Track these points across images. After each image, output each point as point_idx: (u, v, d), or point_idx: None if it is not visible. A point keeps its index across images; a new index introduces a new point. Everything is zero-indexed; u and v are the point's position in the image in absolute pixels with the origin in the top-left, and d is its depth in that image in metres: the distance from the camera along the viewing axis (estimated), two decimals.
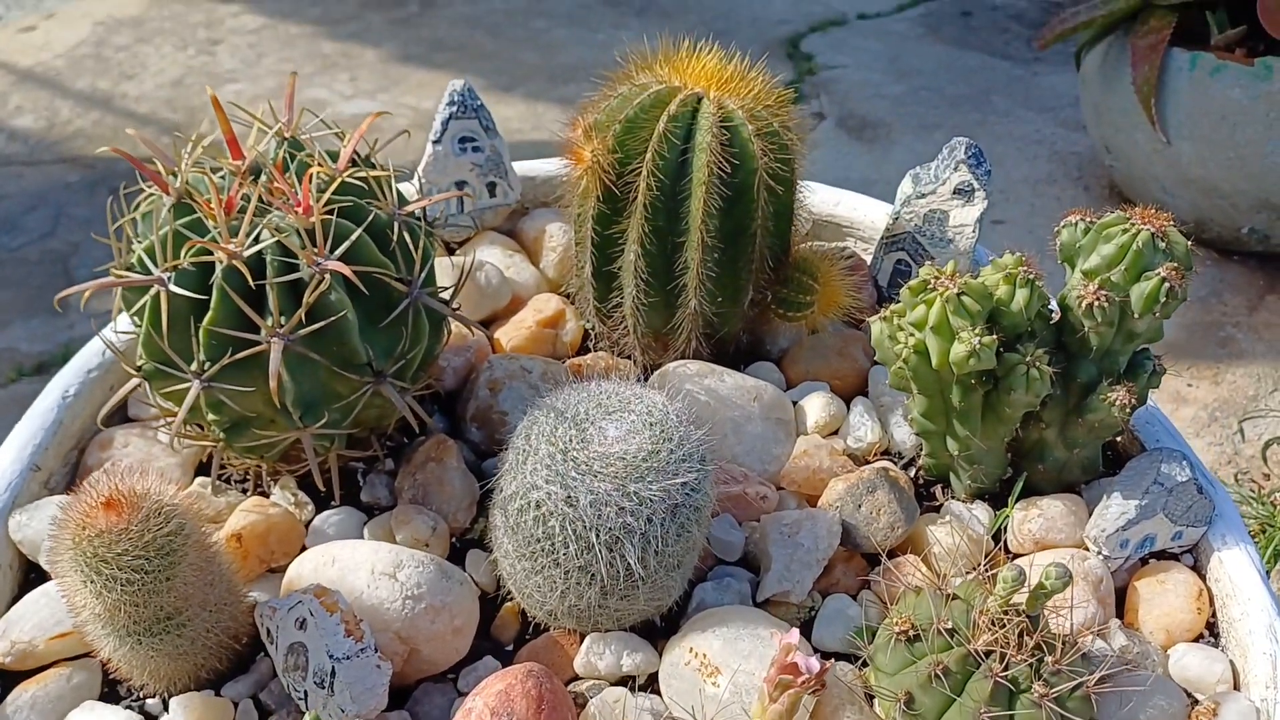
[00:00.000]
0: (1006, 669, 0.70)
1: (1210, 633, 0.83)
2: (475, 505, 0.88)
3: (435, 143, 1.06)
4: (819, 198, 1.10)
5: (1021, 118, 2.65)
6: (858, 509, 0.86)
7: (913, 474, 0.93)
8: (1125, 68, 2.16)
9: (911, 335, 0.83)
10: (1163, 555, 0.87)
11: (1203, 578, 0.85)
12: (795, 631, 0.62)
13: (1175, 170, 2.21)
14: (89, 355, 0.93)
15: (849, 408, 0.96)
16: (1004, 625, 0.72)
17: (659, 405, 0.77)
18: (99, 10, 3.37)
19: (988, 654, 0.71)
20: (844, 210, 1.11)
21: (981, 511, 0.89)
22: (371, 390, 0.80)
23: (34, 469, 0.86)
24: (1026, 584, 0.73)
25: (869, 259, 1.08)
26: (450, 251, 1.09)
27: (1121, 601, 0.85)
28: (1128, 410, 0.83)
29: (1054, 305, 0.86)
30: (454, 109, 1.05)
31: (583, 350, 1.03)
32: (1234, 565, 0.83)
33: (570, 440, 0.75)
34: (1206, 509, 0.86)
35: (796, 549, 0.83)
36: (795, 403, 0.96)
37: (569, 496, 0.73)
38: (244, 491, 0.88)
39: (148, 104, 2.94)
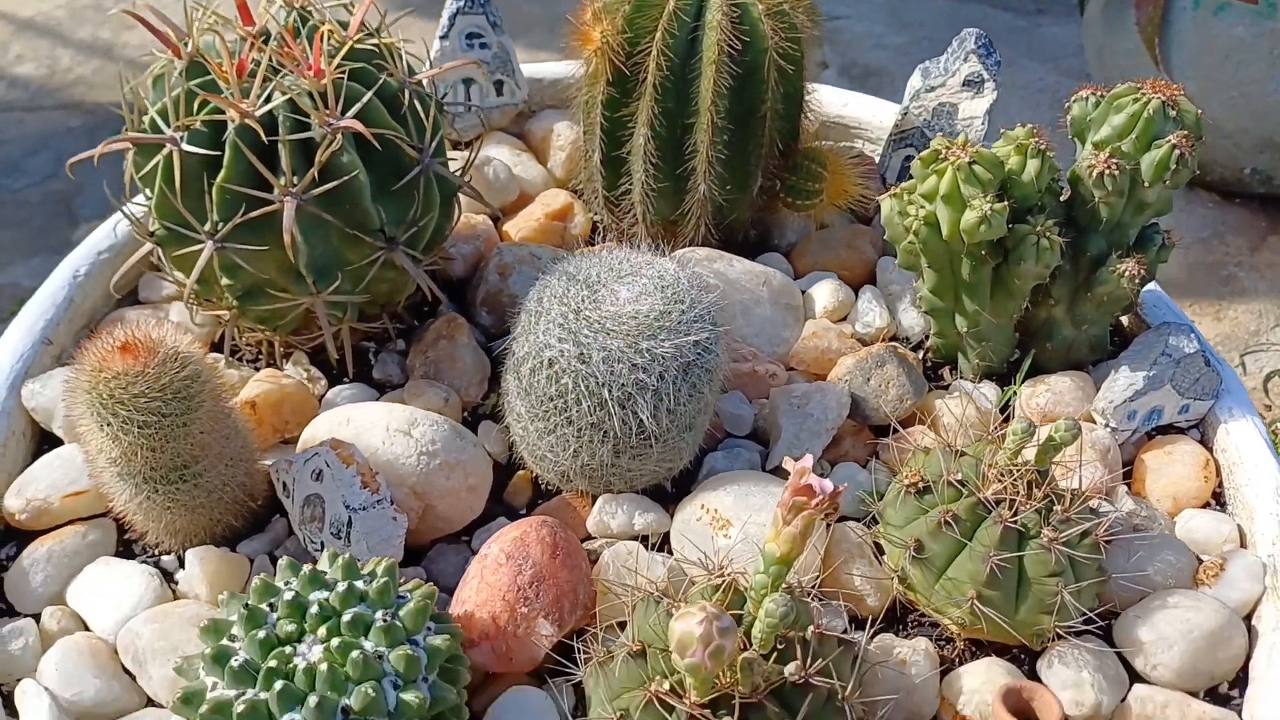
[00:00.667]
0: (1015, 516, 0.71)
1: (1216, 502, 0.84)
2: (486, 381, 0.88)
3: (442, 38, 1.06)
4: (827, 98, 1.10)
5: (1024, 67, 2.64)
6: (866, 382, 0.86)
7: (921, 356, 0.93)
8: (1129, 9, 2.15)
9: (922, 207, 0.83)
10: (1169, 430, 0.88)
11: (1210, 450, 0.86)
12: (808, 456, 0.62)
13: None
14: (99, 237, 0.94)
15: (856, 295, 0.96)
16: (1013, 476, 0.72)
17: (670, 270, 0.78)
18: None
19: (997, 503, 0.71)
20: (852, 111, 1.11)
21: (989, 390, 0.89)
22: (384, 258, 0.80)
23: (46, 342, 0.86)
24: (1036, 439, 0.73)
25: (877, 159, 1.08)
26: (457, 149, 1.09)
27: (1129, 476, 0.86)
28: (1136, 281, 0.83)
29: (1064, 182, 0.87)
30: (461, 3, 1.05)
31: (590, 243, 1.03)
32: (1240, 434, 0.84)
33: (583, 301, 0.75)
34: (1214, 382, 0.86)
35: (806, 419, 0.83)
36: (804, 291, 0.96)
37: (581, 354, 0.73)
38: (256, 369, 0.88)
39: (148, 52, 2.92)
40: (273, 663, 0.59)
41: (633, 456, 0.77)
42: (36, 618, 0.73)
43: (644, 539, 0.78)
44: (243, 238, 0.76)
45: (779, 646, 0.62)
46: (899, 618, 0.77)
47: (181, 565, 0.75)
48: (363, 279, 0.81)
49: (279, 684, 0.59)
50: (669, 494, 0.82)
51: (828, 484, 0.60)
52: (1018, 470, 0.73)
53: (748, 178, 0.95)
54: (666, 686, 0.61)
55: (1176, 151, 0.80)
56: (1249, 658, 0.73)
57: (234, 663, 0.59)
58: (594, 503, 0.80)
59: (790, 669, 0.61)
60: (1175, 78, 2.13)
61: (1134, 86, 0.83)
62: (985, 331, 0.88)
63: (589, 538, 0.79)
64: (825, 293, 0.95)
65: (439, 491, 0.77)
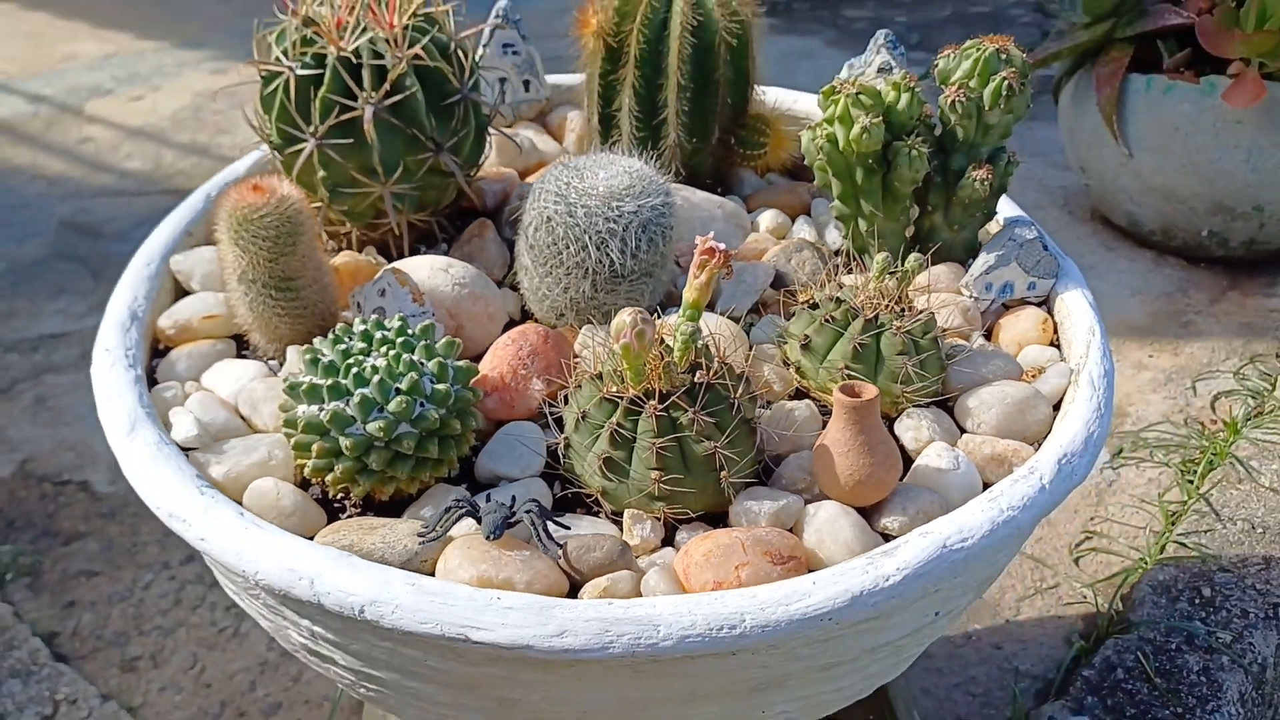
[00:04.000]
0: (876, 315, 0.98)
1: (1055, 345, 1.10)
2: (507, 265, 1.18)
3: (484, 46, 1.40)
4: (782, 96, 1.42)
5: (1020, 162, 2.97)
6: (788, 261, 1.15)
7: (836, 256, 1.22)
8: (1092, 93, 2.48)
9: (825, 129, 1.13)
10: (1023, 305, 1.15)
11: (1050, 314, 1.13)
12: (711, 234, 0.91)
13: (1139, 180, 2.51)
14: (228, 172, 1.26)
15: (793, 222, 1.26)
16: (881, 297, 1.00)
17: (638, 164, 1.08)
18: (198, 84, 3.81)
19: (864, 309, 0.99)
20: (801, 106, 1.43)
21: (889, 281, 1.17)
22: (433, 160, 1.12)
23: (187, 234, 1.18)
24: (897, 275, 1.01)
25: None
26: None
27: (988, 336, 1.13)
28: (988, 185, 1.12)
29: (936, 119, 1.16)
30: (498, 20, 1.39)
31: None
32: (1071, 298, 1.11)
33: (572, 178, 1.05)
34: (1053, 264, 1.14)
35: (740, 283, 1.12)
36: (752, 221, 1.26)
37: (569, 210, 1.04)
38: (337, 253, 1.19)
39: (240, 152, 3.35)
40: (349, 361, 0.88)
41: (607, 291, 1.06)
42: None
43: None
44: (335, 137, 1.08)
45: (695, 368, 0.90)
46: (796, 398, 1.03)
47: (283, 364, 1.05)
48: (417, 174, 1.12)
49: (352, 373, 0.87)
50: None
51: (722, 245, 0.89)
52: (884, 294, 1.01)
53: (708, 129, 1.26)
54: (614, 389, 0.89)
55: (1007, 82, 1.10)
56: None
57: (321, 360, 0.88)
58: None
59: (699, 375, 0.88)
60: (1133, 150, 2.46)
61: (976, 41, 1.13)
62: (882, 232, 1.17)
63: (576, 356, 1.08)
64: (768, 217, 1.25)
65: (467, 314, 1.06)
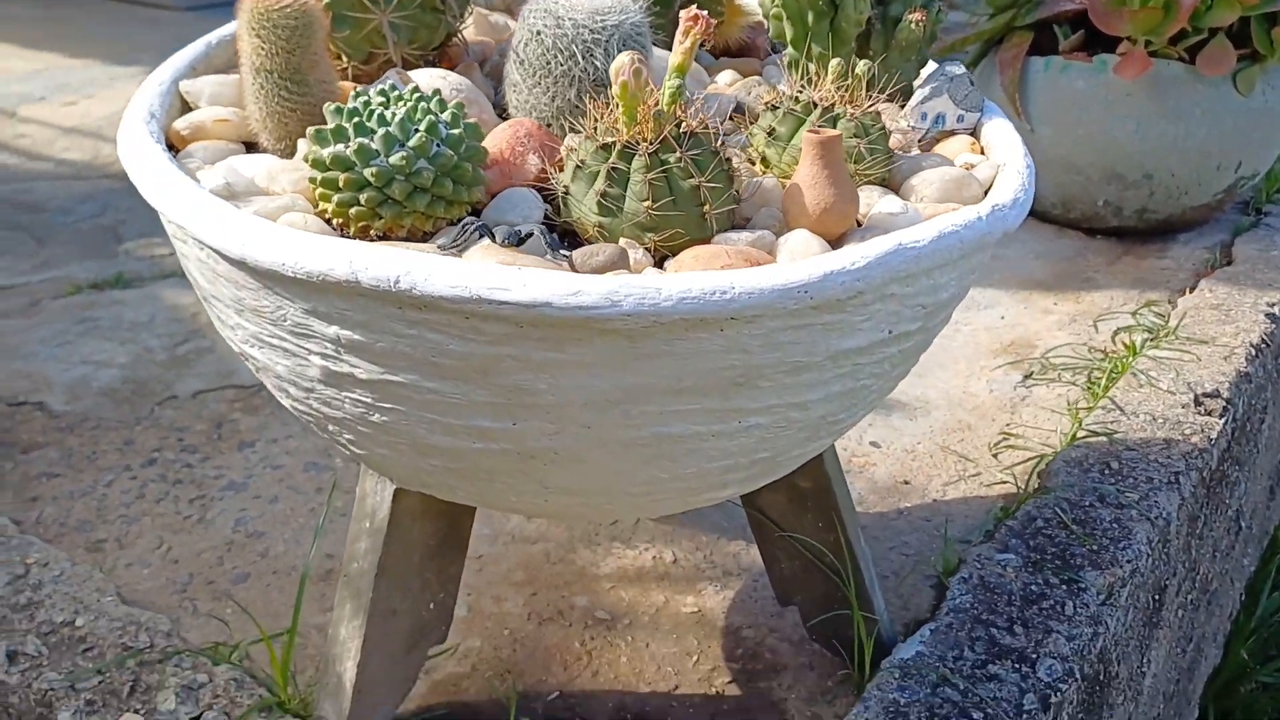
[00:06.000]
0: (832, 106, 1.12)
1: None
2: (492, 102, 1.30)
3: None
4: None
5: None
6: (748, 94, 1.29)
7: None
8: (996, 76, 2.69)
9: None
10: (954, 135, 1.29)
11: (977, 139, 1.27)
12: (695, 4, 1.03)
13: (1040, 153, 2.71)
14: (224, 30, 1.36)
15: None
16: (833, 94, 1.14)
17: None
18: (133, 91, 3.87)
19: (822, 102, 1.13)
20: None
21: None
22: None
23: (192, 69, 1.27)
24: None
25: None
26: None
27: None
28: (923, 28, 1.27)
29: None
30: None
31: None
32: (996, 127, 1.25)
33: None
34: (979, 98, 1.29)
35: (709, 109, 1.25)
36: (712, 81, 1.40)
37: (558, 23, 1.16)
38: None
39: None
40: (370, 108, 0.99)
41: (590, 99, 1.18)
42: None
43: None
44: None
45: (680, 123, 1.01)
46: None
47: (292, 158, 1.14)
48: (411, 5, 1.23)
49: (375, 115, 0.98)
50: None
51: (706, 13, 1.01)
52: (839, 93, 1.14)
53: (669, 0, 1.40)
54: (609, 138, 1.00)
55: None
56: None
57: (344, 109, 0.98)
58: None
59: (685, 125, 1.00)
60: (1034, 125, 2.66)
61: None
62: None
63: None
64: (726, 76, 1.39)
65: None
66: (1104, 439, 1.81)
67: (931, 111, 1.28)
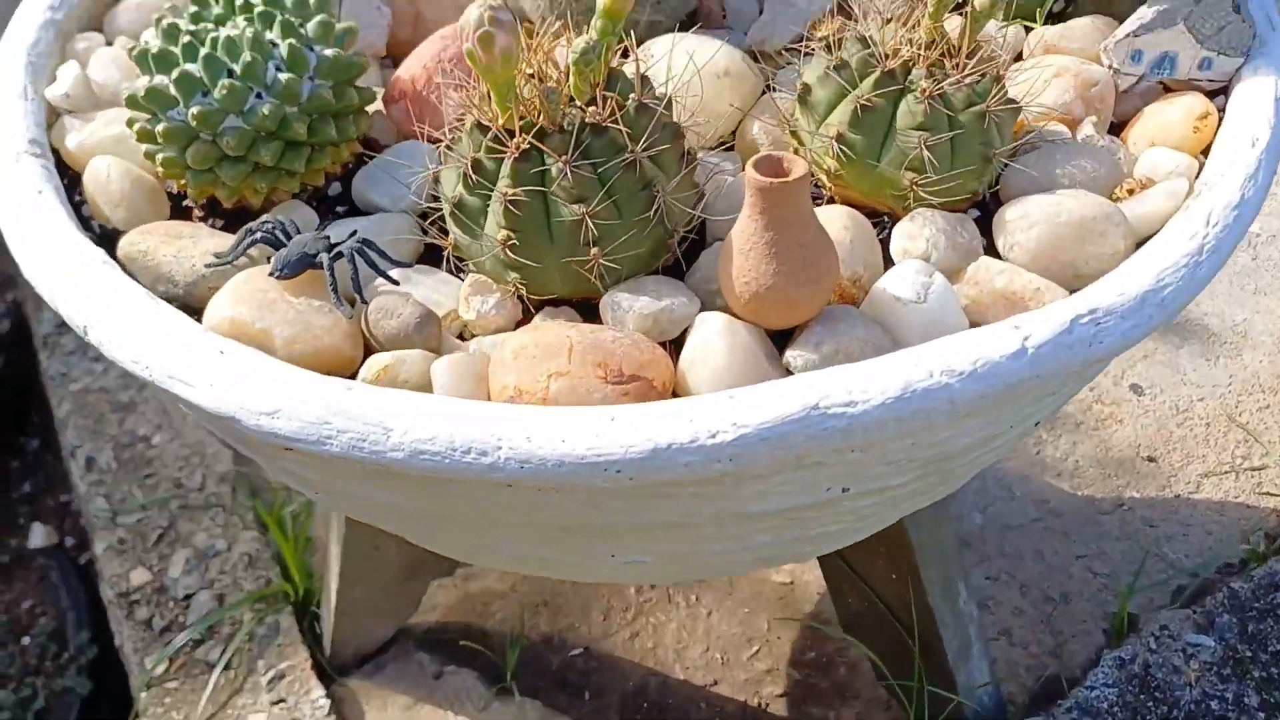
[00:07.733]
0: (907, 67, 0.70)
1: (1205, 156, 0.77)
2: None
3: None
4: None
5: None
6: None
7: None
8: None
9: None
10: (1189, 90, 0.81)
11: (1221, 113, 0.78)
12: None
13: None
14: None
15: None
16: (934, 47, 0.71)
17: None
18: None
19: (891, 57, 0.71)
20: None
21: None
22: None
23: None
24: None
25: None
26: None
27: (1121, 129, 0.80)
28: None
29: None
30: None
31: None
32: (1254, 88, 0.76)
33: None
34: (1245, 35, 0.78)
35: (790, 6, 0.84)
36: None
37: None
38: None
39: None
40: (195, 29, 0.72)
41: None
42: None
43: None
44: None
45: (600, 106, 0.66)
46: None
47: None
48: None
49: (182, 44, 0.71)
50: None
51: None
52: (934, 41, 0.71)
53: None
54: (488, 115, 0.68)
55: None
56: None
57: (164, 24, 0.72)
58: None
59: (590, 112, 0.65)
60: None
61: None
62: None
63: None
64: None
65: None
66: None
67: (1152, 49, 0.79)
